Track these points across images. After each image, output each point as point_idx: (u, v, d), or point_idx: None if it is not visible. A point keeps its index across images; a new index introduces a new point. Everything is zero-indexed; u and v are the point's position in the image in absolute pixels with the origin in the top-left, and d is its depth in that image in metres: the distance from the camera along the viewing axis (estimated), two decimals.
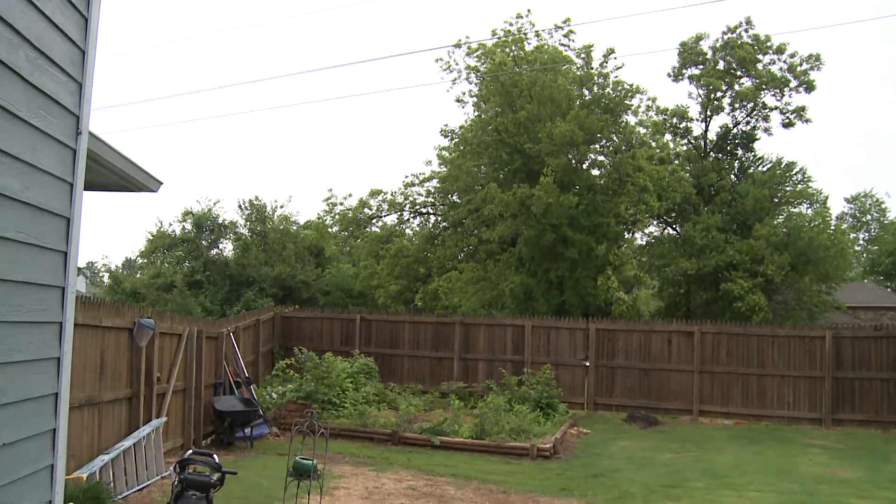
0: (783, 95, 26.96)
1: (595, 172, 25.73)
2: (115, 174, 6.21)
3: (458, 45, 26.04)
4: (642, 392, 19.10)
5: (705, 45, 27.46)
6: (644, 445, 14.97)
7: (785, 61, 26.70)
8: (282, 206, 39.67)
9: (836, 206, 64.93)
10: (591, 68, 25.36)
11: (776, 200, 26.85)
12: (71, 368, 4.43)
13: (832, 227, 26.86)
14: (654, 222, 29.10)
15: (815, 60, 26.45)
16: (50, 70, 3.93)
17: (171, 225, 37.90)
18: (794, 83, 26.60)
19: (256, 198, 38.85)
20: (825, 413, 17.71)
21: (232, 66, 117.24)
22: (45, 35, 3.84)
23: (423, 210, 29.47)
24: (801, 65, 26.48)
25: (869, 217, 57.81)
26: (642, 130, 26.36)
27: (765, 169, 27.66)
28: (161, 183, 7.14)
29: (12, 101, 3.53)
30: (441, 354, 20.39)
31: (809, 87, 26.47)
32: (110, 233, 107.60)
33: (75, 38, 4.23)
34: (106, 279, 51.33)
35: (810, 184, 27.61)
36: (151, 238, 37.84)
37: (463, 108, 28.14)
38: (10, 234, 3.60)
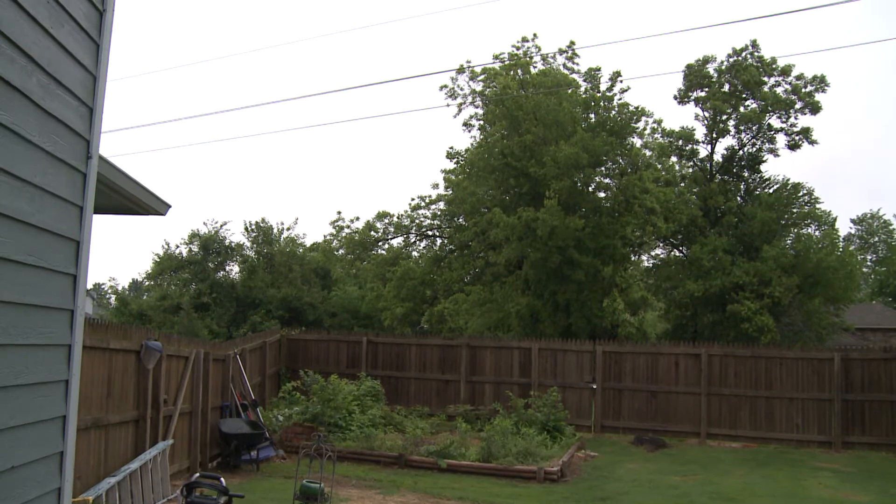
0: (789, 117, 27.06)
1: (601, 195, 25.77)
2: (124, 197, 6.24)
3: (461, 71, 26.19)
4: (649, 414, 19.01)
5: (711, 68, 27.60)
6: (651, 468, 14.87)
7: (790, 83, 26.80)
8: (288, 229, 39.85)
9: (843, 228, 64.76)
10: (597, 91, 25.48)
11: (783, 222, 26.85)
12: (78, 391, 4.44)
13: (840, 249, 26.79)
14: (661, 244, 29.11)
15: (819, 82, 26.55)
16: (62, 95, 3.97)
17: (177, 247, 38.07)
18: (799, 105, 26.69)
19: (263, 220, 39.02)
20: (835, 436, 17.57)
21: (240, 90, 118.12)
22: (58, 61, 3.89)
23: (430, 232, 29.53)
24: (805, 87, 26.57)
25: (876, 238, 57.60)
26: (648, 153, 26.44)
27: (771, 191, 27.69)
28: (169, 206, 7.17)
29: (24, 126, 3.57)
30: (447, 377, 20.33)
31: (815, 109, 26.55)
32: (117, 255, 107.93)
33: (87, 64, 4.28)
34: (113, 301, 51.41)
35: (817, 205, 27.63)
36: (158, 260, 37.96)
37: (469, 131, 28.28)
38: (21, 257, 3.63)
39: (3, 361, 3.52)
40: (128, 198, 6.29)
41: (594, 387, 19.34)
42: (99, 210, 5.85)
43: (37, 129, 3.70)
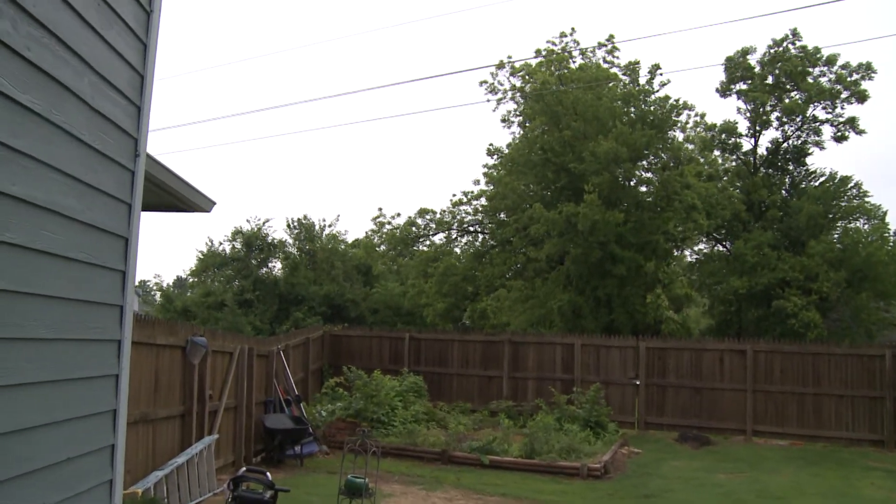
0: (834, 108, 26.45)
1: (643, 189, 25.54)
2: (170, 195, 6.34)
3: (500, 66, 26.08)
4: (694, 411, 18.78)
5: (752, 60, 27.13)
6: (696, 466, 14.70)
7: (835, 73, 26.22)
8: (330, 225, 40.03)
9: (895, 221, 63.13)
10: (637, 85, 25.22)
11: (831, 216, 26.30)
12: (128, 385, 4.53)
13: (891, 243, 26.17)
14: (704, 239, 28.73)
15: (865, 69, 25.89)
16: (111, 95, 4.04)
17: (221, 244, 38.47)
18: (844, 94, 26.07)
19: (305, 217, 39.27)
20: (887, 435, 17.17)
21: (284, 87, 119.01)
22: (107, 61, 3.96)
23: (471, 228, 29.49)
24: (850, 75, 25.97)
25: None
26: (690, 147, 26.11)
27: (817, 184, 27.16)
28: (214, 203, 7.25)
29: (75, 125, 3.64)
30: (490, 373, 20.31)
31: (862, 98, 25.90)
32: (162, 252, 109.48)
33: (135, 64, 4.35)
34: (158, 297, 52.23)
35: (866, 198, 27.01)
36: (202, 257, 38.44)
37: (509, 127, 28.14)
38: (73, 253, 3.70)
39: (57, 356, 3.60)
40: (174, 195, 6.39)
41: (637, 383, 19.17)
42: (146, 207, 5.93)
43: (86, 127, 3.78)
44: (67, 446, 3.70)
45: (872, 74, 25.90)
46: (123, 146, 4.30)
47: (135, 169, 4.49)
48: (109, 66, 3.99)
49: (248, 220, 51.13)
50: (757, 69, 27.05)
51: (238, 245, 37.98)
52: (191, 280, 42.45)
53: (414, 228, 28.93)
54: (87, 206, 3.83)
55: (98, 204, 3.99)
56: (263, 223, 38.20)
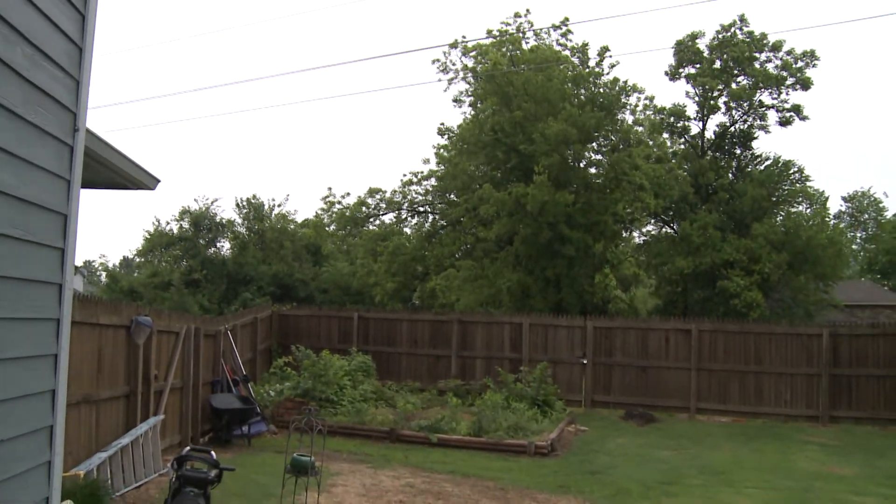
0: (780, 93, 27.03)
1: (592, 171, 25.77)
2: (112, 171, 6.22)
3: (453, 46, 26.05)
4: (640, 390, 19.11)
5: (701, 44, 27.54)
6: (641, 442, 14.98)
7: (781, 59, 26.76)
8: (279, 205, 39.75)
9: (834, 205, 64.85)
10: (587, 67, 25.39)
11: (774, 199, 26.93)
12: (68, 366, 4.44)
13: (830, 227, 26.93)
14: (652, 221, 29.19)
15: (809, 57, 26.51)
16: (47, 67, 3.93)
17: (168, 224, 37.94)
18: (789, 81, 26.65)
19: (254, 196, 38.90)
20: (822, 410, 17.73)
21: (229, 65, 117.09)
22: (42, 32, 3.84)
23: (421, 209, 29.48)
24: (795, 62, 26.52)
25: (866, 216, 57.82)
26: (640, 129, 26.41)
27: (762, 168, 27.76)
28: (158, 181, 7.14)
29: (9, 98, 3.54)
30: (439, 352, 20.38)
31: (805, 85, 26.51)
32: (108, 231, 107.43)
33: (72, 35, 4.23)
34: (103, 278, 51.28)
35: (808, 183, 27.72)
36: (149, 237, 37.87)
37: (460, 107, 28.18)
38: (7, 230, 3.61)
39: None
40: (116, 172, 6.27)
41: (585, 362, 19.42)
42: (87, 184, 5.83)
43: (22, 101, 3.67)
44: (1, 427, 3.62)
45: (816, 62, 26.52)
46: (61, 120, 4.19)
47: (74, 144, 4.38)
48: (45, 37, 3.87)
49: (195, 200, 50.46)
50: (706, 54, 27.46)
51: (185, 224, 37.48)
52: (137, 260, 41.79)
53: (364, 208, 28.85)
54: (22, 181, 3.73)
55: (34, 179, 3.89)
56: (212, 203, 37.81)
